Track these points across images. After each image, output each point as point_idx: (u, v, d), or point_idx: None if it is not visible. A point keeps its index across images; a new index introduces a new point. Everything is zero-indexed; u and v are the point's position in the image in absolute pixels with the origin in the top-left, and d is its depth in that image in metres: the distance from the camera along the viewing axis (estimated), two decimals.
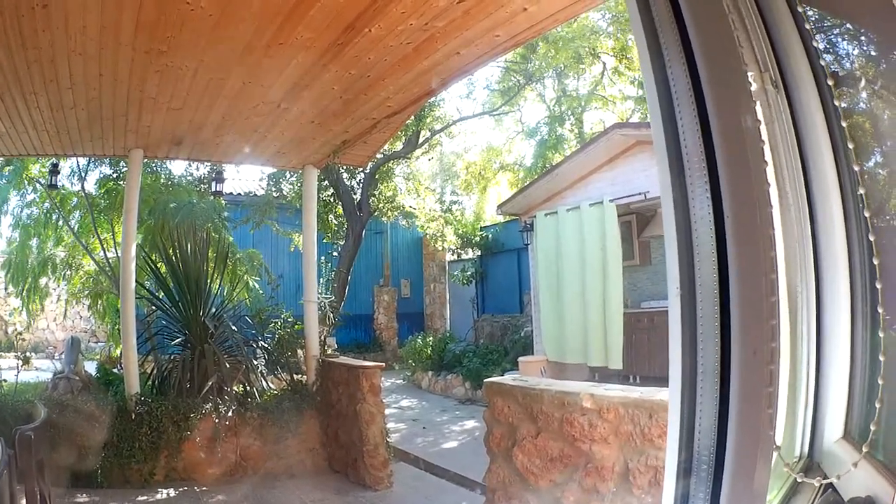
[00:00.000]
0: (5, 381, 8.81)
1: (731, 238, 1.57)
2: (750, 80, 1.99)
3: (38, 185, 13.09)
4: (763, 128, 2.06)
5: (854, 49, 2.18)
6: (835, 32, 2.24)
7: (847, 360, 2.25)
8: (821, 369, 2.31)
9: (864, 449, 1.90)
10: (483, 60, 6.59)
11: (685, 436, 1.69)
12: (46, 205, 13.24)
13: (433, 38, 5.85)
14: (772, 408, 1.58)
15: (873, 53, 2.07)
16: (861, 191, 1.95)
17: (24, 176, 12.78)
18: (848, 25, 2.19)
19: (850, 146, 1.97)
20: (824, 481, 2.06)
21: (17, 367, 9.43)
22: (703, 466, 1.63)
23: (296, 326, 10.41)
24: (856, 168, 1.97)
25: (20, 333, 18.11)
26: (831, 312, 2.28)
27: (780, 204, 2.24)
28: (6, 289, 14.87)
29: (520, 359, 14.31)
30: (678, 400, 1.70)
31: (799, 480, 2.15)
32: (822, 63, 2.06)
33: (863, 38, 2.12)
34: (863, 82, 2.08)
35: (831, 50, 2.14)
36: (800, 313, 2.30)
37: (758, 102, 2.00)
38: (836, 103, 2.05)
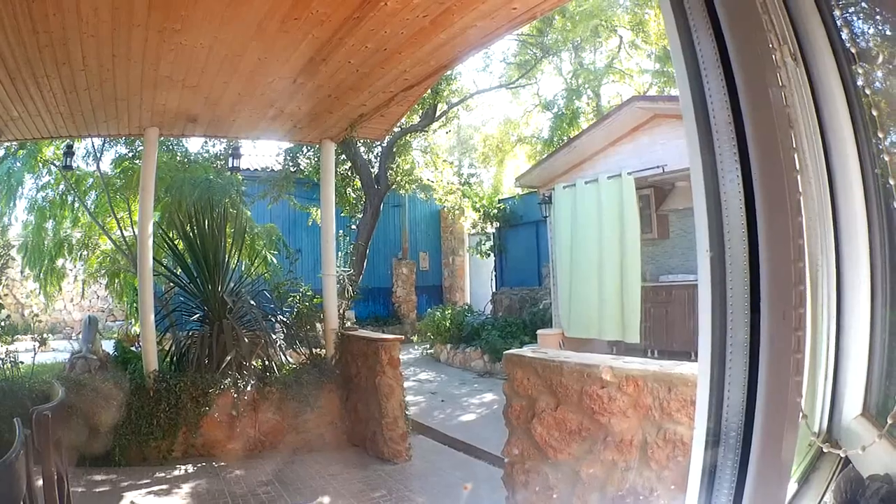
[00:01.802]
0: (22, 362, 8.86)
1: (759, 201, 1.58)
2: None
3: (52, 167, 13.09)
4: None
5: (870, 26, 2.15)
6: (851, 8, 2.20)
7: (866, 335, 2.24)
8: (840, 345, 2.30)
9: (885, 425, 1.89)
10: (500, 33, 6.55)
11: (714, 401, 1.70)
12: (62, 187, 13.22)
13: (449, 10, 5.82)
14: (799, 375, 1.59)
15: (889, 32, 2.04)
16: (885, 158, 1.93)
17: (38, 159, 12.77)
18: (864, 3, 2.16)
19: (874, 114, 1.94)
20: (847, 452, 2.05)
21: (34, 349, 9.50)
22: (731, 433, 1.64)
23: (315, 300, 10.45)
24: (880, 135, 1.95)
25: (36, 315, 18.19)
26: (851, 286, 2.27)
27: (801, 175, 2.22)
28: (22, 272, 14.89)
29: (538, 331, 14.28)
30: (708, 365, 1.71)
31: (825, 450, 2.14)
32: (840, 37, 2.04)
33: (879, 14, 2.09)
34: (881, 58, 2.05)
35: (849, 24, 2.11)
36: (820, 286, 2.29)
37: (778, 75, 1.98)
38: (855, 76, 2.03)
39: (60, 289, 14.80)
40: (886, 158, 1.92)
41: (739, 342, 1.63)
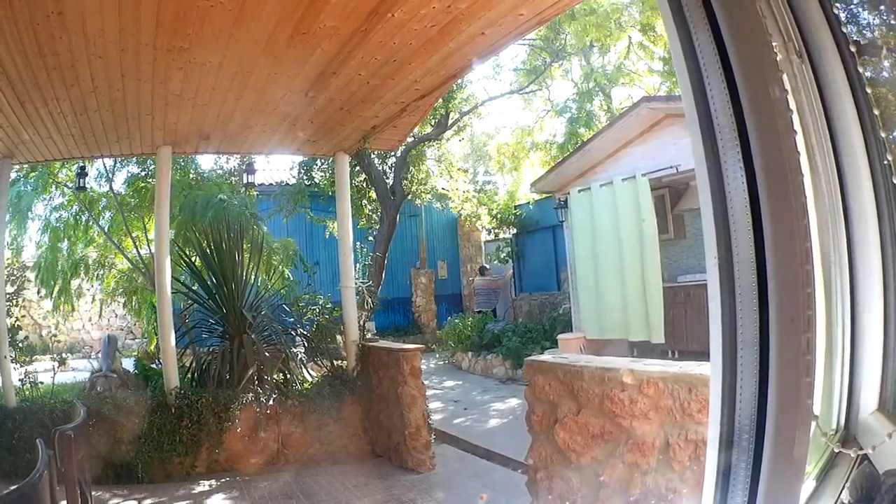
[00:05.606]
0: (41, 383, 8.93)
1: (765, 207, 1.58)
2: (774, 50, 1.97)
3: (65, 188, 13.16)
4: (790, 97, 2.04)
5: (875, 17, 2.15)
6: (854, 1, 2.21)
7: (881, 330, 2.23)
8: (855, 340, 2.30)
9: None
10: (509, 39, 6.55)
11: (727, 405, 1.70)
12: (75, 207, 13.28)
13: (457, 19, 5.83)
14: (810, 376, 1.59)
15: (893, 21, 2.04)
16: (888, 157, 1.93)
17: (51, 181, 12.84)
18: None
19: (876, 113, 1.95)
20: (860, 452, 2.05)
21: (53, 369, 9.56)
22: (744, 436, 1.65)
23: (334, 312, 10.46)
24: (882, 135, 1.95)
25: (55, 335, 18.25)
26: (864, 282, 2.27)
27: (811, 173, 2.23)
28: (38, 292, 14.99)
29: (559, 336, 14.26)
30: (719, 369, 1.71)
31: (836, 451, 2.14)
32: (844, 31, 2.04)
33: (882, 5, 2.09)
34: (884, 50, 2.05)
35: (852, 19, 2.11)
36: (833, 283, 2.29)
37: (783, 73, 1.98)
38: (860, 71, 2.03)
39: (74, 308, 14.87)
40: (889, 158, 1.93)
41: (749, 347, 1.63)
